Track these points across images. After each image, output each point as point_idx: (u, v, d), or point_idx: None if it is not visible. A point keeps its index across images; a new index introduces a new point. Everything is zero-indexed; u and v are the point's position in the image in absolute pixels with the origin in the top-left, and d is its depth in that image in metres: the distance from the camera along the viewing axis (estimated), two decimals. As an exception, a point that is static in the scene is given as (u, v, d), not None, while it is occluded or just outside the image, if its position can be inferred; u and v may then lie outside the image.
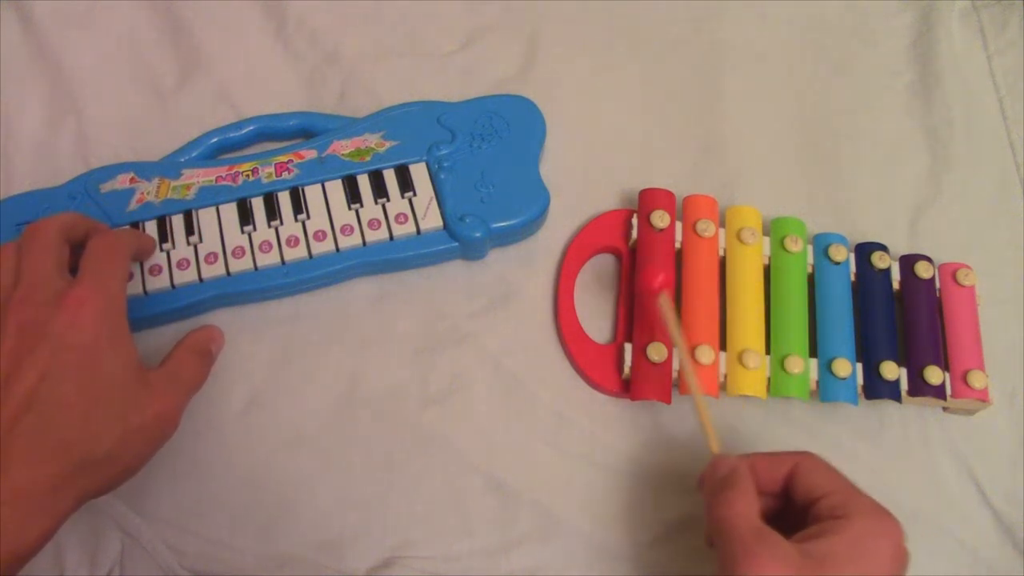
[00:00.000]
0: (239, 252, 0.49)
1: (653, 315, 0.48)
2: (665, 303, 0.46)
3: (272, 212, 0.51)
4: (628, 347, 0.49)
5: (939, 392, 0.48)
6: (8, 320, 0.39)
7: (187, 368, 0.45)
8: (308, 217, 0.50)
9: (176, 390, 0.43)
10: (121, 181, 0.51)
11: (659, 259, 0.50)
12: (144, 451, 0.41)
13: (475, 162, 0.52)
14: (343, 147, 0.53)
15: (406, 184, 0.51)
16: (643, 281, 0.47)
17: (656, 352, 0.48)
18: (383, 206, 0.51)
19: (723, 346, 0.49)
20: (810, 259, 0.51)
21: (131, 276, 0.48)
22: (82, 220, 0.44)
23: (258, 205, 0.51)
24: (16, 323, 0.39)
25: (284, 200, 0.51)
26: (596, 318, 0.52)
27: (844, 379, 0.48)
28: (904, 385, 0.48)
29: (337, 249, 0.50)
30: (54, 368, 0.38)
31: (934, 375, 0.48)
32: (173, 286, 0.49)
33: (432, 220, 0.50)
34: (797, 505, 0.40)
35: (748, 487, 0.39)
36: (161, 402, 0.41)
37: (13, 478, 0.36)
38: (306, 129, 0.55)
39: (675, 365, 0.48)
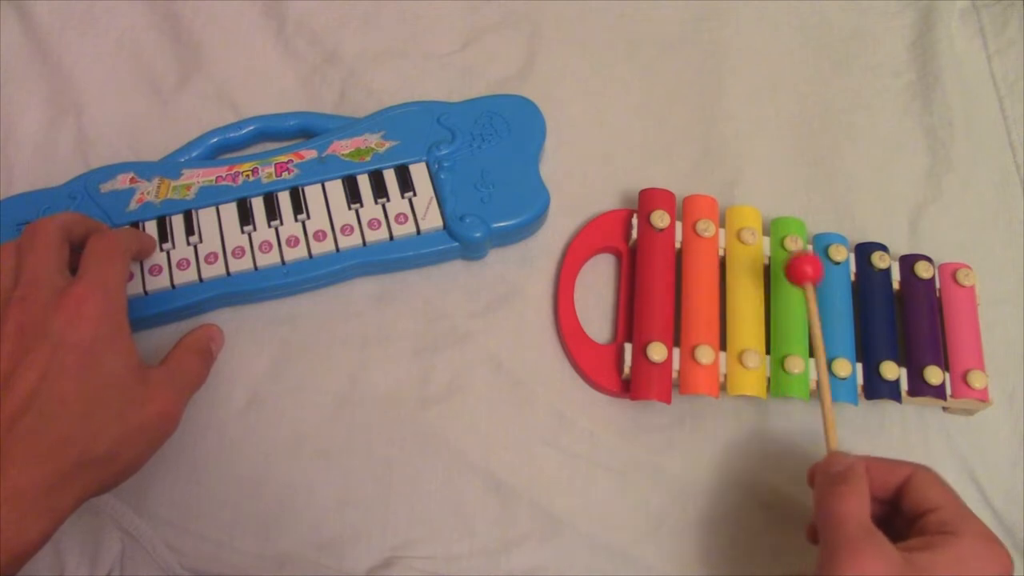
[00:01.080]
0: (239, 252, 0.49)
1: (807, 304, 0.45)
2: (811, 295, 0.45)
3: (272, 212, 0.51)
4: (628, 347, 0.49)
5: (939, 392, 0.48)
6: (8, 319, 0.39)
7: (187, 367, 0.45)
8: (308, 217, 0.50)
9: (176, 389, 0.43)
10: (121, 181, 0.51)
11: (663, 260, 0.51)
12: (144, 450, 0.41)
13: (475, 162, 0.52)
14: (343, 147, 0.53)
15: (406, 184, 0.51)
16: (794, 271, 0.45)
17: (656, 352, 0.48)
18: (383, 206, 0.51)
19: (723, 346, 0.49)
20: (810, 259, 0.51)
21: (131, 276, 0.48)
22: (82, 220, 0.44)
23: (258, 205, 0.51)
24: (16, 322, 0.39)
25: (284, 200, 0.51)
26: (596, 318, 0.52)
27: (844, 379, 0.48)
28: (904, 385, 0.48)
29: (337, 249, 0.50)
30: (54, 367, 0.38)
31: (934, 375, 0.48)
32: (173, 286, 0.49)
33: (432, 220, 0.50)
34: (905, 515, 0.40)
35: (863, 486, 0.38)
36: (161, 401, 0.41)
37: (13, 477, 0.36)
38: (306, 129, 0.55)
39: (675, 364, 0.48)
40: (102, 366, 0.39)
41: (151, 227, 0.50)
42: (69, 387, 0.38)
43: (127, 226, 0.50)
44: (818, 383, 0.43)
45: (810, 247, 0.52)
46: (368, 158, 0.52)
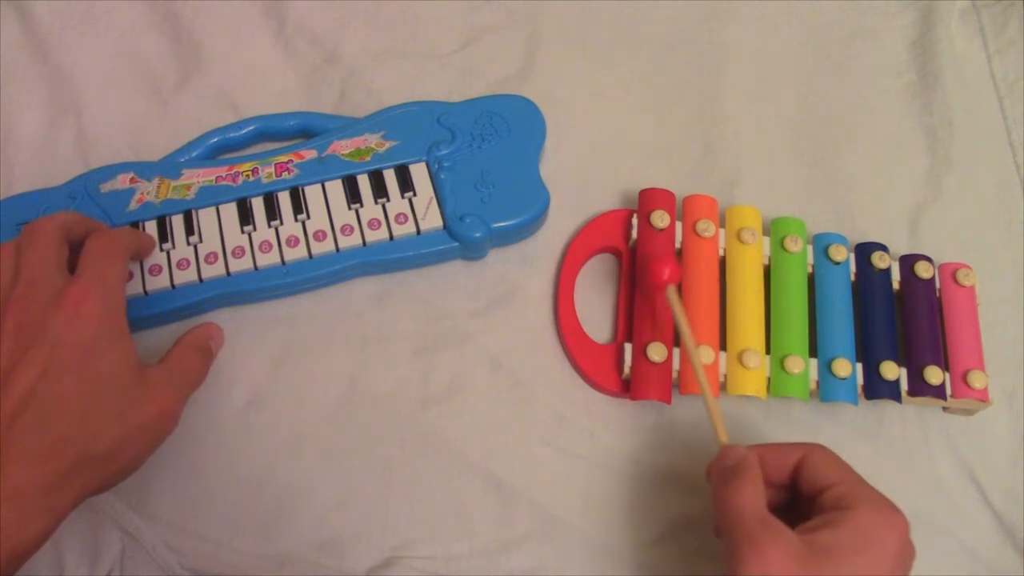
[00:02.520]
0: (239, 252, 0.49)
1: (662, 309, 0.47)
2: (673, 296, 0.46)
3: (272, 212, 0.51)
4: (628, 347, 0.49)
5: (939, 392, 0.48)
6: (7, 317, 0.39)
7: (187, 365, 0.45)
8: (308, 217, 0.50)
9: (175, 387, 0.43)
10: (121, 181, 0.51)
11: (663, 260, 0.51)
12: (143, 448, 0.41)
13: (475, 162, 0.52)
14: (343, 147, 0.53)
15: (406, 184, 0.51)
16: (652, 274, 0.46)
17: (656, 352, 0.48)
18: (383, 206, 0.51)
19: (723, 346, 0.49)
20: (810, 259, 0.51)
21: (131, 276, 0.48)
22: (81, 219, 0.44)
23: (258, 205, 0.51)
24: (15, 320, 0.39)
25: (284, 200, 0.51)
26: (596, 318, 0.52)
27: (844, 379, 0.48)
28: (904, 385, 0.48)
29: (337, 249, 0.50)
30: (53, 365, 0.38)
31: (934, 375, 0.48)
32: (173, 286, 0.49)
33: (432, 220, 0.50)
34: (804, 496, 0.40)
35: (755, 476, 0.39)
36: (160, 399, 0.41)
37: (12, 476, 0.36)
38: (306, 129, 0.55)
39: (675, 364, 0.48)
40: (101, 365, 0.39)
41: (151, 227, 0.50)
42: (68, 386, 0.38)
43: (126, 226, 0.50)
44: (697, 380, 0.43)
45: (810, 247, 0.52)
46: (368, 158, 0.52)
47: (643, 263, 0.49)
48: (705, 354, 0.47)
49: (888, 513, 0.38)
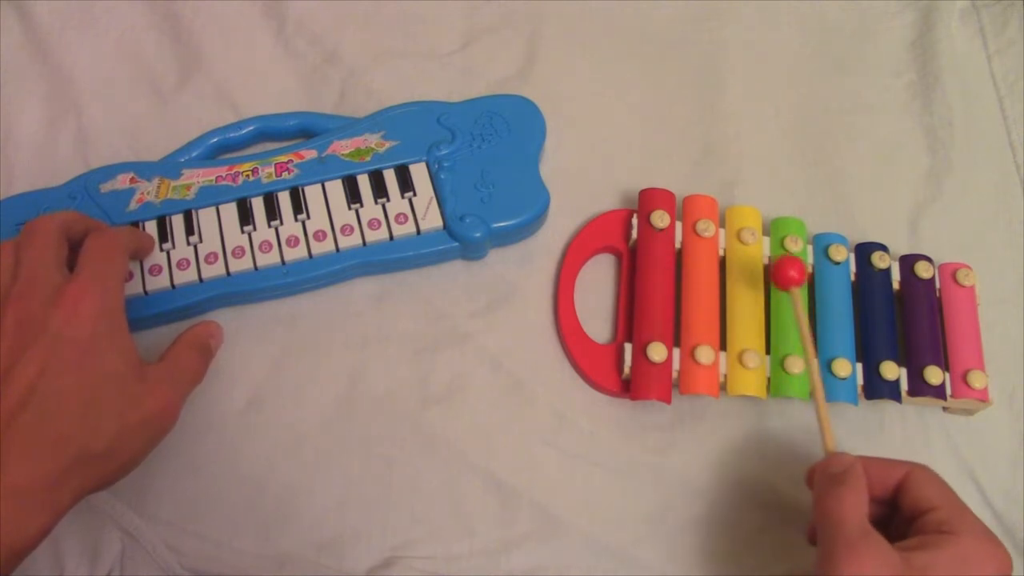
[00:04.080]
0: (239, 252, 0.49)
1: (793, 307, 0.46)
2: (797, 298, 0.45)
3: (272, 212, 0.51)
4: (628, 347, 0.49)
5: (939, 392, 0.48)
6: (6, 315, 0.39)
7: (186, 363, 0.45)
8: (308, 217, 0.50)
9: (175, 384, 0.43)
10: (121, 181, 0.51)
11: (663, 260, 0.51)
12: (143, 446, 0.41)
13: (475, 162, 0.52)
14: (343, 147, 0.53)
15: (406, 184, 0.51)
16: (780, 271, 0.45)
17: (656, 352, 0.48)
18: (383, 206, 0.51)
19: (723, 346, 0.49)
20: (810, 259, 0.51)
21: (131, 276, 0.48)
22: (81, 218, 0.44)
23: (258, 205, 0.51)
24: (14, 318, 0.39)
25: (284, 200, 0.51)
26: (596, 318, 0.52)
27: (844, 379, 0.48)
28: (904, 385, 0.48)
29: (337, 249, 0.50)
30: (52, 363, 0.38)
31: (934, 375, 0.48)
32: (173, 286, 0.49)
33: (432, 220, 0.50)
34: (904, 515, 0.40)
35: (861, 486, 0.38)
36: (160, 397, 0.41)
37: (12, 473, 0.36)
38: (306, 129, 0.55)
39: (675, 364, 0.48)
40: (100, 362, 0.39)
41: (151, 227, 0.50)
42: (68, 383, 0.38)
43: (126, 225, 0.50)
44: (811, 386, 0.42)
45: (810, 247, 0.52)
46: (368, 158, 0.52)
47: (776, 263, 0.46)
48: (705, 354, 0.47)
49: (992, 546, 0.37)
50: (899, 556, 0.36)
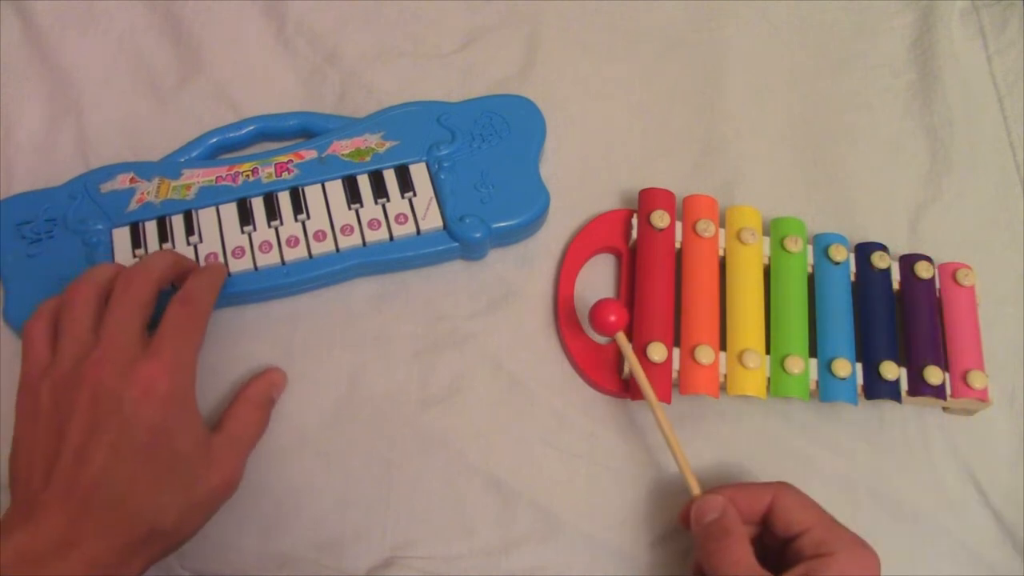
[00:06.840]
0: (239, 252, 0.49)
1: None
2: (623, 343, 0.46)
3: (272, 212, 0.51)
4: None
5: (939, 392, 0.48)
6: (84, 385, 0.39)
7: (247, 423, 0.46)
8: (308, 217, 0.50)
9: (238, 452, 0.45)
10: (121, 181, 0.51)
11: (663, 260, 0.51)
12: (207, 517, 0.43)
13: (475, 162, 0.52)
14: (343, 147, 0.53)
15: (406, 184, 0.51)
16: (597, 320, 0.46)
17: (656, 352, 0.48)
18: (383, 206, 0.51)
19: (723, 346, 0.49)
20: (810, 259, 0.51)
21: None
22: (175, 263, 0.45)
23: (258, 205, 0.51)
24: (90, 393, 0.39)
25: (284, 200, 0.51)
26: (596, 318, 0.52)
27: (844, 379, 0.48)
28: (904, 385, 0.48)
29: (337, 249, 0.50)
30: (124, 444, 0.39)
31: (934, 375, 0.48)
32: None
33: (432, 220, 0.50)
34: (777, 537, 0.42)
35: (741, 532, 0.41)
36: (226, 469, 0.43)
37: (92, 547, 0.37)
38: (306, 129, 0.55)
39: (675, 364, 0.48)
40: (170, 444, 0.40)
41: (151, 227, 0.50)
42: (139, 466, 0.39)
43: (220, 265, 0.48)
44: (662, 430, 0.45)
45: (810, 247, 0.52)
46: (368, 158, 0.52)
47: (594, 306, 0.47)
48: (705, 354, 0.47)
49: (863, 553, 0.40)
50: None
